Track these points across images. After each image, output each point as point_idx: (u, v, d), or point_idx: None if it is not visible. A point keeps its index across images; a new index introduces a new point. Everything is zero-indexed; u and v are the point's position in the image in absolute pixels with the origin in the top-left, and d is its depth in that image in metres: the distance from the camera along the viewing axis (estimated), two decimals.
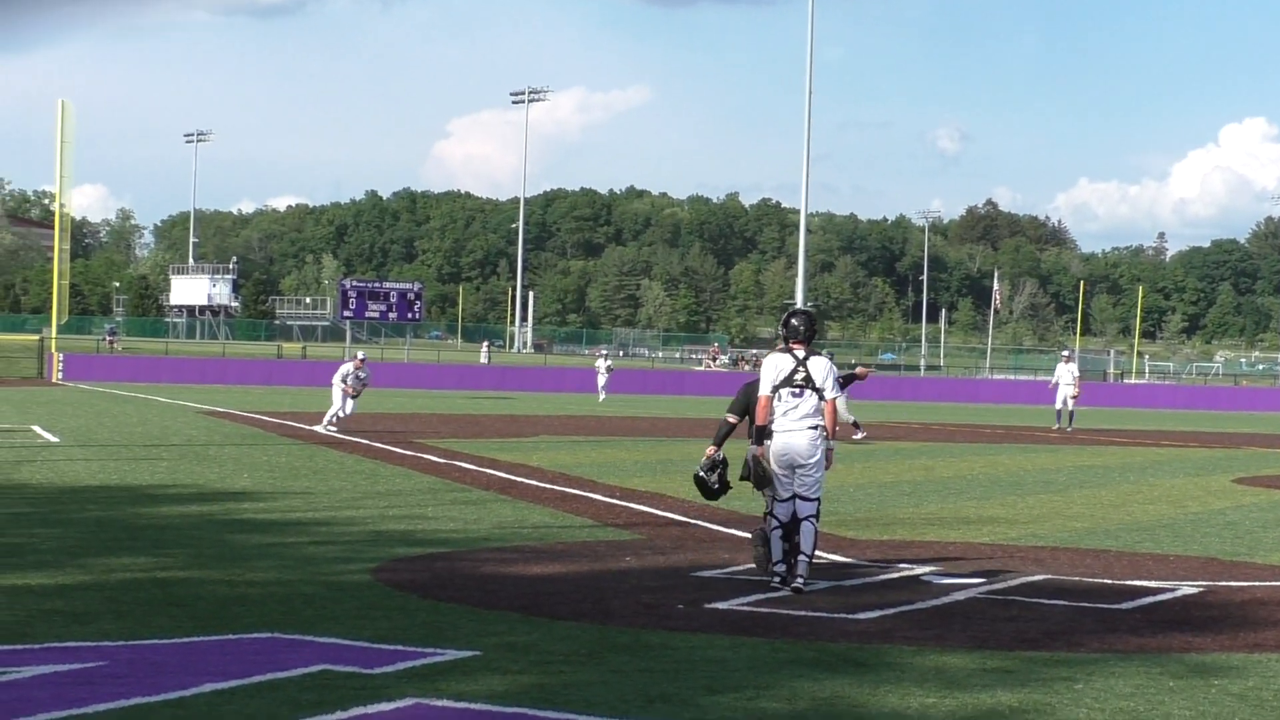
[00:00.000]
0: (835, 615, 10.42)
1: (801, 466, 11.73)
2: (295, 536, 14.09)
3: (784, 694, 7.93)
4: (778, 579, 11.60)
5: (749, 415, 12.23)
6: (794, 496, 11.79)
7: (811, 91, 74.27)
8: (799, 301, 75.96)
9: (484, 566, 12.44)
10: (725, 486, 12.66)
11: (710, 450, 12.70)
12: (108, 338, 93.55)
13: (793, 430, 11.74)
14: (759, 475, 11.91)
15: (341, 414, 29.44)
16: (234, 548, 13.11)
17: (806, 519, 11.71)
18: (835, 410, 11.99)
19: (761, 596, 11.16)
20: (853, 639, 9.56)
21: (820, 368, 11.86)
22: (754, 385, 12.27)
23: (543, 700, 7.54)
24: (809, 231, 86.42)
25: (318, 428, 29.52)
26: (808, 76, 74.54)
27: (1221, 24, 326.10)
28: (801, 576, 11.57)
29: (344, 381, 29.43)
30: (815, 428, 11.75)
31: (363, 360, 30.42)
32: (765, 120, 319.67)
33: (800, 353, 11.91)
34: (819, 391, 11.77)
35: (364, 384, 29.92)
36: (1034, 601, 11.32)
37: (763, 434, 11.87)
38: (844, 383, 14.43)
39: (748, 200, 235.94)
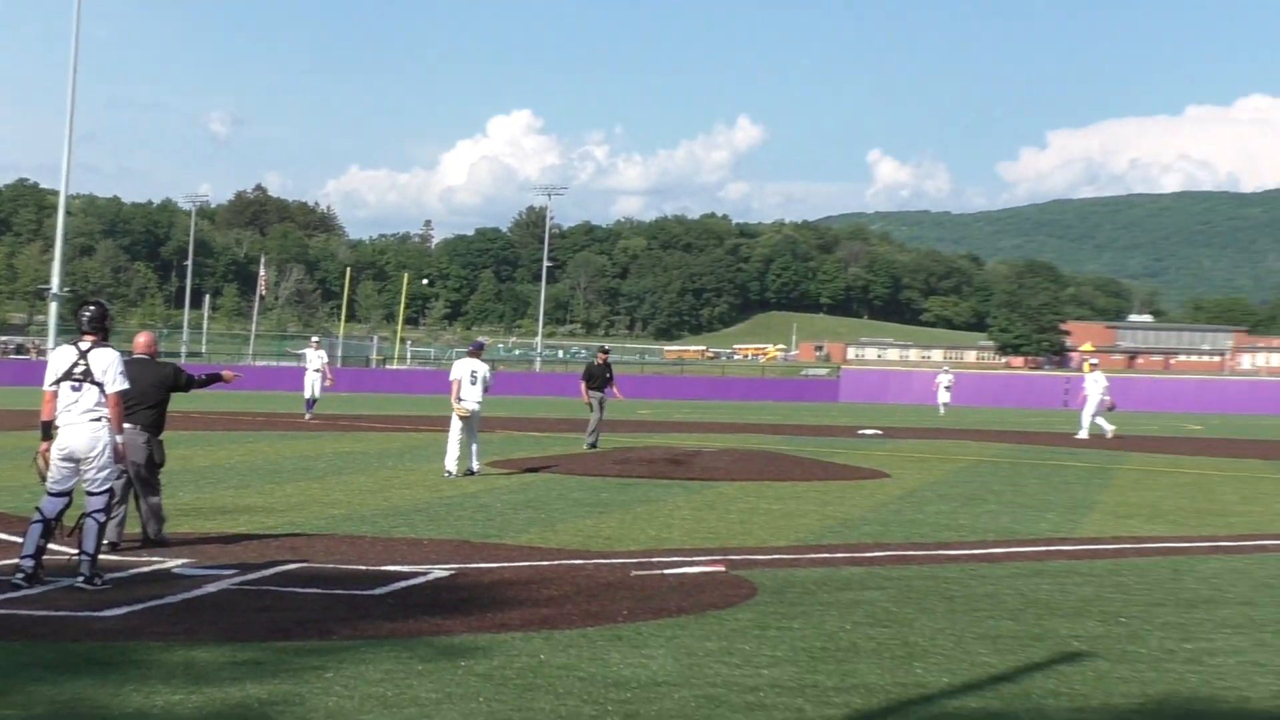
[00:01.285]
0: (79, 614, 10.00)
1: (83, 460, 11.45)
2: None
3: (19, 699, 7.51)
4: (21, 575, 11.08)
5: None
6: (67, 493, 11.42)
7: (77, 70, 71.02)
8: (54, 286, 72.29)
9: None
10: None
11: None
12: None
13: (74, 424, 11.46)
14: (40, 470, 11.51)
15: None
16: None
17: (91, 514, 11.37)
18: (120, 403, 11.62)
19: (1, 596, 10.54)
20: (97, 638, 9.20)
21: (102, 360, 11.55)
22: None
23: None
24: (69, 214, 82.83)
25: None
26: (73, 54, 71.20)
27: (474, 13, 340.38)
28: (84, 575, 11.17)
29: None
30: (97, 419, 11.48)
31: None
32: (24, 98, 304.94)
33: (85, 345, 11.63)
34: (99, 385, 11.46)
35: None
36: (288, 591, 11.30)
37: (47, 429, 11.51)
38: (206, 383, 14.68)
39: (3, 180, 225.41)
